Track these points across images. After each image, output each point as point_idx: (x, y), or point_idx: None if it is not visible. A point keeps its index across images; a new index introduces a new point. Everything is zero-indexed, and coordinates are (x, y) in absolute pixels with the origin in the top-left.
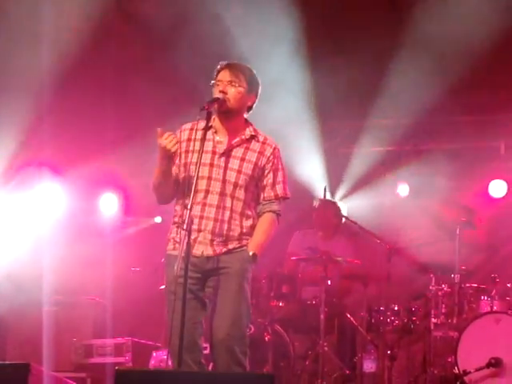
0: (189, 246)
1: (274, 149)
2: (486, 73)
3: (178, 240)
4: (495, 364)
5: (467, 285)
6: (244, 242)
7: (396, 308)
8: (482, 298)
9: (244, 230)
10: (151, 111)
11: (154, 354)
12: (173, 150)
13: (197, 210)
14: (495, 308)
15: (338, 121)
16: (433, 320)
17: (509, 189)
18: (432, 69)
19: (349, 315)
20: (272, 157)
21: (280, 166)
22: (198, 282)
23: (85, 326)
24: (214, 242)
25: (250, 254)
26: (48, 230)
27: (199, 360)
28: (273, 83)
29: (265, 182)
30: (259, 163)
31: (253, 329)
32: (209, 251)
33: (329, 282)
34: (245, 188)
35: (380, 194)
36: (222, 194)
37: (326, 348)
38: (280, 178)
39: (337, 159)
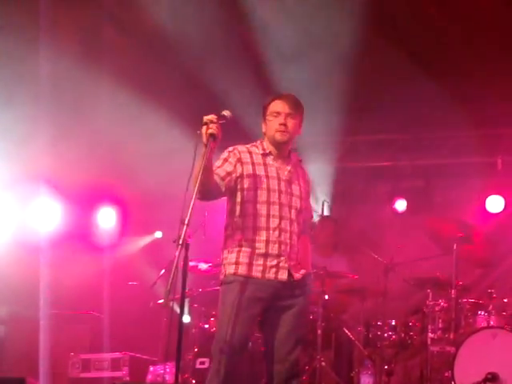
0: (186, 262)
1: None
2: (484, 87)
3: (248, 262)
4: (492, 379)
5: (464, 300)
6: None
7: (393, 323)
8: (479, 313)
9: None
10: (153, 123)
11: (151, 369)
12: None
13: (274, 235)
14: (492, 323)
15: (336, 136)
16: (430, 335)
17: (506, 204)
18: (429, 83)
19: (346, 330)
20: (310, 181)
21: None
22: (266, 305)
23: (82, 341)
24: (292, 267)
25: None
26: (45, 244)
27: None
28: None
29: (306, 204)
30: (307, 187)
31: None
32: (293, 275)
33: (326, 297)
34: (302, 212)
35: (377, 209)
36: (291, 220)
37: (323, 363)
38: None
39: (335, 174)
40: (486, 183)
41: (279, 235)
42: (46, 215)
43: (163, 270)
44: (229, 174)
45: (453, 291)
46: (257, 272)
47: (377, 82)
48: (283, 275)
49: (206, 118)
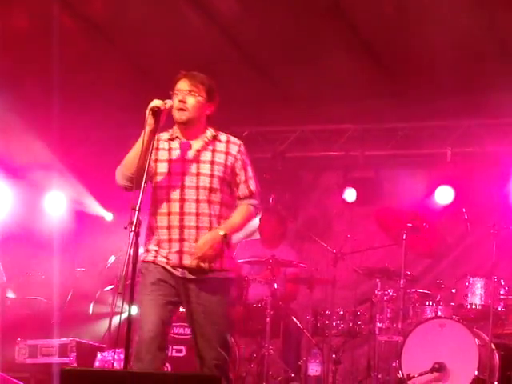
0: (137, 249)
1: (240, 146)
2: (434, 80)
3: (156, 249)
4: (439, 369)
5: (412, 290)
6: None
7: (341, 312)
8: (427, 303)
9: None
10: (101, 105)
11: (99, 355)
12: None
13: (175, 220)
14: (440, 313)
15: (286, 125)
16: (378, 324)
17: (455, 195)
18: (380, 74)
19: (294, 319)
20: (239, 154)
21: (248, 162)
22: (174, 289)
23: (29, 326)
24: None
25: (221, 233)
26: None
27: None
28: None
29: (238, 180)
30: (228, 163)
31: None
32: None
33: (275, 286)
34: (220, 190)
35: (327, 198)
36: (199, 201)
37: (271, 351)
38: (250, 173)
39: (284, 163)
40: (436, 174)
41: (181, 219)
42: None
43: (112, 257)
44: None
45: (401, 281)
46: (162, 257)
47: (326, 72)
48: (187, 261)
49: (152, 104)
